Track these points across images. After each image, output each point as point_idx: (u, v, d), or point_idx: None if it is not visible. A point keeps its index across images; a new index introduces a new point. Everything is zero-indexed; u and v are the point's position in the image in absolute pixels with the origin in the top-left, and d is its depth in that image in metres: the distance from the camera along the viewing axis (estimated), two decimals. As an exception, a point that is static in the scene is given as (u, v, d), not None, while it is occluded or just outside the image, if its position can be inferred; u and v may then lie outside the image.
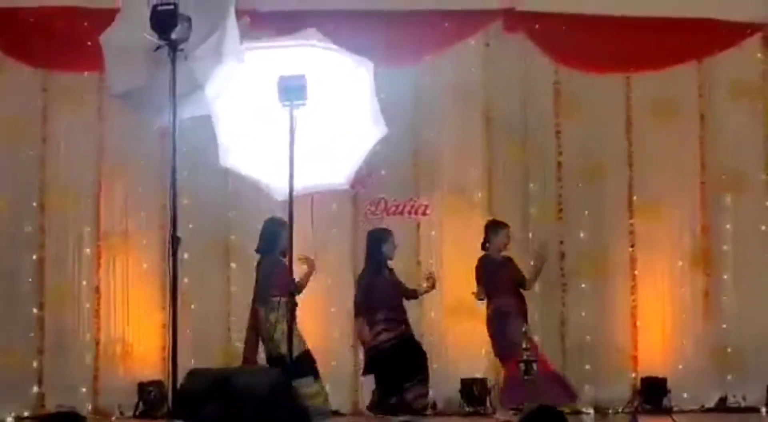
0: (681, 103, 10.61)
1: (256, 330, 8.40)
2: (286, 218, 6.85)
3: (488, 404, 9.83)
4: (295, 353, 8.02)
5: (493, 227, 9.13)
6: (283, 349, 8.07)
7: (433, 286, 9.13)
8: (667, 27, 10.41)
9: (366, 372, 9.00)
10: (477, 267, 9.02)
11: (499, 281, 8.89)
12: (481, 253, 9.09)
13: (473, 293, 8.93)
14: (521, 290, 8.98)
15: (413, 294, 9.18)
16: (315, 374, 8.45)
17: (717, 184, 10.55)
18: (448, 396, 9.98)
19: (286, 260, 7.49)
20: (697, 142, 10.58)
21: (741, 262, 10.48)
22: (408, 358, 8.79)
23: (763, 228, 10.48)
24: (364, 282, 8.95)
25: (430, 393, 9.23)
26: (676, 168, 10.57)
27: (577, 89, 10.50)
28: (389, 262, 9.07)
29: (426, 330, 9.87)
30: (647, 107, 10.59)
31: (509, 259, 9.10)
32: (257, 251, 8.62)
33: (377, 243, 9.01)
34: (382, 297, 8.84)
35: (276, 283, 8.09)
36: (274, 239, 8.29)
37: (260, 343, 8.44)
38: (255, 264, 8.65)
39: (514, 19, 10.33)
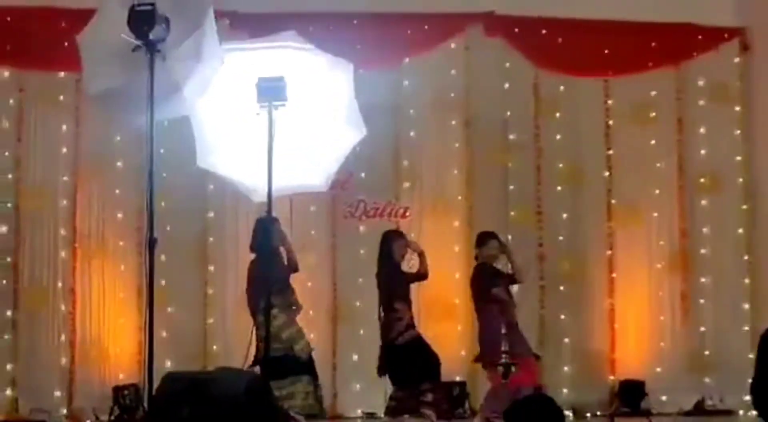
0: (659, 106, 10.68)
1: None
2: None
3: (467, 407, 9.80)
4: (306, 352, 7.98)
5: (481, 238, 8.88)
6: (296, 348, 8.00)
7: (421, 254, 8.77)
8: (646, 31, 10.51)
9: (385, 371, 8.61)
10: (474, 276, 8.80)
11: (496, 290, 8.68)
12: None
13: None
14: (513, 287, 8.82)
15: (422, 275, 8.78)
16: (313, 374, 8.32)
17: (695, 187, 10.62)
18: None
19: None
20: (675, 146, 10.66)
21: (718, 265, 10.55)
22: (425, 357, 8.55)
23: (741, 231, 10.56)
24: (382, 281, 8.67)
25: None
26: (654, 171, 10.63)
27: (557, 92, 10.55)
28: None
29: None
30: (626, 110, 10.66)
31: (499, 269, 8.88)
32: (252, 250, 8.44)
33: (386, 244, 8.70)
34: (404, 295, 8.59)
35: (275, 279, 7.93)
36: (268, 235, 8.12)
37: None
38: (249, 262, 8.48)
39: (493, 23, 10.36)
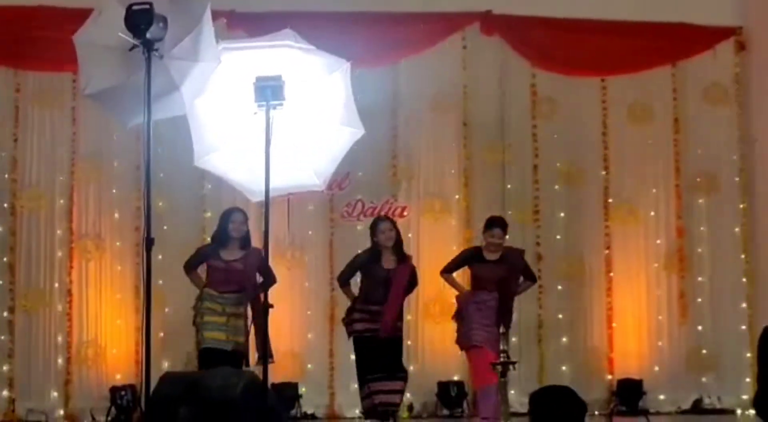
0: (656, 106, 10.71)
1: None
2: (263, 220, 6.73)
3: (465, 407, 9.80)
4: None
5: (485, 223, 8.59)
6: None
7: None
8: (642, 31, 10.53)
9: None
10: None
11: (479, 277, 8.45)
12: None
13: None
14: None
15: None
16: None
17: (691, 186, 10.64)
18: (425, 399, 9.96)
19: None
20: (671, 145, 10.68)
21: (715, 264, 10.59)
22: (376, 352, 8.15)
23: (737, 230, 10.60)
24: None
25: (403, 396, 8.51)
26: (651, 170, 10.66)
27: (554, 92, 10.57)
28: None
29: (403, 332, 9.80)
30: (623, 110, 10.67)
31: (501, 259, 8.44)
32: (248, 245, 8.17)
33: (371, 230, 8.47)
34: (369, 286, 8.31)
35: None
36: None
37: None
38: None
39: (491, 22, 10.38)
